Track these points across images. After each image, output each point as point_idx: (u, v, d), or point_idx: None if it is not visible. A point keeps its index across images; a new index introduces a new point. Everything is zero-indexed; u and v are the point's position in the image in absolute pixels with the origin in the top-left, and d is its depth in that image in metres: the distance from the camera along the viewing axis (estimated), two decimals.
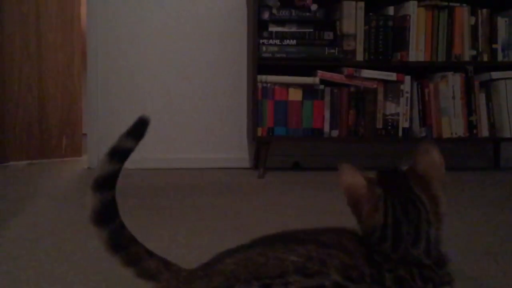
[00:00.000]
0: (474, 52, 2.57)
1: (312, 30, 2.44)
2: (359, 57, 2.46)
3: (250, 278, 0.54)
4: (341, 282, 0.53)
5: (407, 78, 2.50)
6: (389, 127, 2.49)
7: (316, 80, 2.42)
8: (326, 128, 2.46)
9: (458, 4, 2.56)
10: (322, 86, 2.44)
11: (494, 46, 2.58)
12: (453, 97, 2.55)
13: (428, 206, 0.60)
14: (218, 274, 0.56)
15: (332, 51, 2.42)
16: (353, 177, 0.63)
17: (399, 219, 0.59)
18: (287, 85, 2.44)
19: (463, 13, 2.55)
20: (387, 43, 2.47)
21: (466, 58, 2.56)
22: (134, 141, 0.72)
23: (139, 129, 0.72)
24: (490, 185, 2.18)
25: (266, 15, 2.43)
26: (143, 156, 2.72)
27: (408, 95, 2.51)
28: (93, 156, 2.74)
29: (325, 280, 0.53)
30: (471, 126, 2.56)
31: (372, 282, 0.55)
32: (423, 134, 2.53)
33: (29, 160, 3.01)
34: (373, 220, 0.60)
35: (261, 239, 0.62)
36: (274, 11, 2.43)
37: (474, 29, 2.57)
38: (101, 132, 2.73)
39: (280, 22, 2.45)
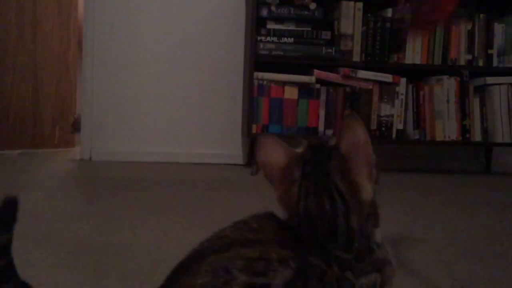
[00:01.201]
0: (470, 57, 2.58)
1: (310, 29, 2.44)
2: (356, 57, 2.47)
3: None
4: (249, 280, 0.48)
5: (403, 80, 2.51)
6: (383, 129, 2.51)
7: (312, 79, 2.42)
8: (321, 127, 2.46)
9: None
10: (318, 85, 2.44)
11: (489, 51, 2.60)
12: (448, 101, 2.56)
13: (346, 195, 0.52)
14: None
15: (329, 50, 2.42)
16: (272, 154, 0.56)
17: (310, 211, 0.52)
18: (283, 83, 2.44)
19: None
20: (383, 44, 2.48)
21: (462, 62, 2.57)
22: (6, 232, 0.60)
23: (7, 215, 0.60)
24: (481, 189, 2.20)
25: (264, 12, 2.43)
26: (137, 149, 2.71)
27: (403, 97, 2.52)
28: (86, 148, 2.73)
29: (233, 285, 0.47)
30: (464, 130, 2.57)
31: (300, 263, 0.49)
32: (417, 137, 2.54)
33: (21, 149, 2.99)
34: (286, 206, 0.54)
35: (173, 271, 0.56)
36: (273, 8, 2.43)
37: (470, 34, 2.58)
38: (95, 124, 2.72)
39: (279, 19, 2.44)
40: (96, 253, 1.05)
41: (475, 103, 2.60)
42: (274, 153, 0.56)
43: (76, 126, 2.77)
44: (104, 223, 1.31)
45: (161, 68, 2.75)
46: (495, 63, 2.60)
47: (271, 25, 2.45)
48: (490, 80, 2.59)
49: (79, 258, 1.02)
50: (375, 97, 2.49)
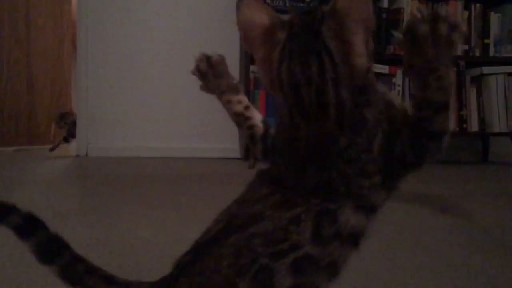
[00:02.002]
0: (466, 47, 2.58)
1: None
2: None
3: None
4: (274, 249, 0.47)
5: (399, 71, 2.50)
6: None
7: None
8: None
9: None
10: None
11: (486, 41, 2.59)
12: None
13: (337, 58, 0.45)
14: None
15: None
16: (253, 14, 0.51)
17: (294, 76, 0.46)
18: None
19: (456, 8, 2.56)
20: (379, 35, 2.47)
21: (458, 52, 2.57)
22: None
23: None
24: (478, 179, 2.21)
25: None
26: (134, 144, 2.70)
27: (400, 88, 2.51)
28: (82, 144, 2.71)
29: (260, 260, 0.46)
30: (461, 120, 2.57)
31: (310, 211, 0.47)
32: None
33: (17, 146, 2.98)
34: (266, 70, 0.48)
35: (194, 254, 0.54)
36: (268, 0, 2.41)
37: (467, 23, 2.57)
38: (91, 119, 2.70)
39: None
40: (93, 249, 1.05)
41: (472, 93, 2.60)
42: (256, 13, 0.51)
43: (69, 133, 2.73)
44: (101, 219, 1.30)
45: (156, 63, 2.73)
46: (491, 53, 2.59)
47: None
48: (486, 70, 2.58)
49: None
50: None
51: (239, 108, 0.60)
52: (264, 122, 0.59)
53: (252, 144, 0.60)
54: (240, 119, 0.60)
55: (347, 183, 0.48)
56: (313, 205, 0.48)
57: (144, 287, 0.57)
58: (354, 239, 0.49)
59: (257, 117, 0.59)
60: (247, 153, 2.67)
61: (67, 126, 2.66)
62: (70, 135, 2.70)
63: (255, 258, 0.46)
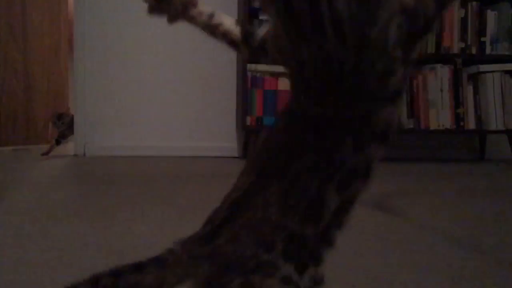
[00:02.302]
0: (463, 45, 2.58)
1: None
2: None
3: None
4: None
5: None
6: None
7: None
8: None
9: None
10: None
11: (482, 39, 2.60)
12: (441, 89, 2.56)
13: None
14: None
15: None
16: None
17: None
18: (277, 75, 2.43)
19: (453, 6, 2.56)
20: None
21: (455, 50, 2.57)
22: None
23: None
24: (475, 177, 2.21)
25: (257, 4, 2.41)
26: (132, 143, 2.70)
27: None
28: (80, 143, 2.71)
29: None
30: (458, 118, 2.58)
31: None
32: (411, 126, 2.55)
33: (14, 146, 2.97)
34: None
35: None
36: None
37: (463, 21, 2.58)
38: (88, 119, 2.70)
39: None
40: (92, 249, 1.05)
41: (469, 91, 2.61)
42: None
43: (61, 134, 2.71)
44: (99, 219, 1.30)
45: (153, 62, 2.73)
46: (488, 51, 2.60)
47: (264, 16, 2.43)
48: (483, 67, 2.59)
49: (74, 254, 1.01)
50: None
51: (202, 20, 0.58)
52: (240, 22, 0.58)
53: (237, 50, 0.58)
54: (210, 31, 0.58)
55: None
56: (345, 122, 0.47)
57: (178, 249, 0.54)
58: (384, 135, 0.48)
59: (227, 22, 0.58)
60: (245, 152, 2.67)
61: (65, 126, 2.65)
62: (61, 136, 2.68)
63: (304, 191, 0.47)
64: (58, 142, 2.68)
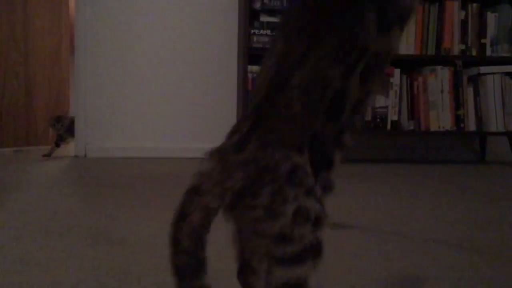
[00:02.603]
0: (463, 47, 2.59)
1: None
2: None
3: None
4: None
5: (397, 71, 2.51)
6: (378, 120, 2.51)
7: None
8: None
9: None
10: None
11: (483, 41, 2.60)
12: (442, 91, 2.57)
13: None
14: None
15: None
16: None
17: None
18: None
19: (453, 7, 2.57)
20: None
21: (455, 52, 2.58)
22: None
23: None
24: (475, 179, 2.21)
25: (257, 5, 2.41)
26: (132, 145, 2.70)
27: (397, 88, 2.52)
28: (80, 145, 2.71)
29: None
30: (458, 120, 2.58)
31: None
32: (411, 127, 2.55)
33: (15, 147, 2.97)
34: None
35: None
36: (266, 1, 2.42)
37: (464, 23, 2.58)
38: (89, 120, 2.71)
39: (272, 12, 2.43)
40: (93, 249, 1.05)
41: (469, 92, 2.61)
42: None
43: (59, 137, 2.70)
44: (101, 220, 1.31)
45: (154, 63, 2.74)
46: (488, 53, 2.60)
47: (264, 18, 2.44)
48: (483, 69, 2.59)
49: (76, 255, 1.01)
50: None
51: None
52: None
53: None
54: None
55: None
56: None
57: (209, 163, 0.52)
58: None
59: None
60: None
61: (64, 129, 2.65)
62: (60, 139, 2.66)
63: (326, 86, 0.45)
64: (57, 145, 2.68)
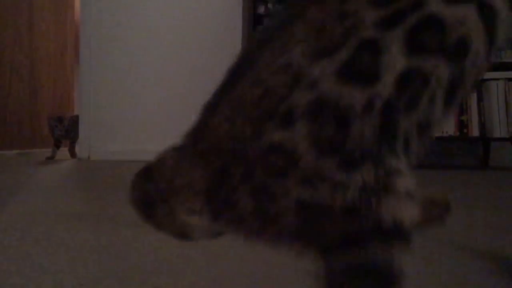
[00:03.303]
0: None
1: None
2: None
3: None
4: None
5: None
6: None
7: None
8: None
9: None
10: None
11: None
12: None
13: None
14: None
15: None
16: None
17: None
18: None
19: None
20: None
21: None
22: None
23: None
24: (478, 184, 2.21)
25: (261, 10, 2.42)
26: (135, 148, 2.71)
27: None
28: (84, 147, 2.73)
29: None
30: (462, 125, 2.58)
31: None
32: None
33: (20, 149, 2.99)
34: None
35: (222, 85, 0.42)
36: (270, 5, 2.42)
37: None
38: (93, 123, 2.72)
39: None
40: (96, 253, 1.06)
41: (473, 98, 2.60)
42: None
43: (58, 140, 2.70)
44: (104, 222, 1.31)
45: (158, 67, 2.75)
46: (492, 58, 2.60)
47: None
48: (487, 75, 2.59)
49: (79, 258, 1.02)
50: None
51: None
52: None
53: None
54: None
55: None
56: None
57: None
58: None
59: None
60: None
61: (65, 129, 2.65)
62: (59, 140, 2.67)
63: (350, 32, 0.33)
64: (58, 146, 2.70)
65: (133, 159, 2.67)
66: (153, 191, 0.44)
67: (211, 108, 0.44)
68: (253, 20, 2.43)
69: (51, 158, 2.65)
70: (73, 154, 2.67)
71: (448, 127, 2.57)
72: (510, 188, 2.15)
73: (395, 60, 0.34)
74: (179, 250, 1.08)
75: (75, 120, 2.72)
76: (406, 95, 0.34)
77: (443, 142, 2.82)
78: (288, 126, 0.33)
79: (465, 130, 2.57)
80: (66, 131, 2.65)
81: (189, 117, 2.41)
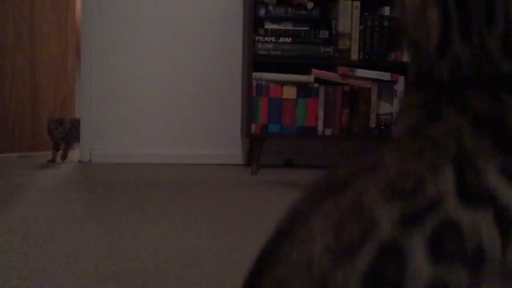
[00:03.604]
0: None
1: (307, 28, 2.45)
2: (354, 56, 2.47)
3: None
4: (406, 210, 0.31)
5: (401, 78, 2.51)
6: (382, 127, 2.51)
7: (311, 78, 2.42)
8: (320, 126, 2.46)
9: None
10: (316, 85, 2.45)
11: None
12: None
13: None
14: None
15: (327, 49, 2.43)
16: None
17: None
18: (282, 83, 2.44)
19: None
20: (382, 43, 2.48)
21: None
22: None
23: None
24: None
25: (262, 12, 2.43)
26: (136, 151, 2.71)
27: (402, 95, 2.52)
28: (85, 150, 2.73)
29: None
30: None
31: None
32: None
33: (20, 152, 2.99)
34: (424, 20, 0.37)
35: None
36: (270, 8, 2.43)
37: None
38: (94, 126, 2.72)
39: (276, 19, 2.45)
40: (97, 255, 1.05)
41: None
42: None
43: (57, 143, 2.68)
44: (105, 225, 1.31)
45: (160, 70, 2.75)
46: None
47: (269, 25, 2.45)
48: None
49: (80, 261, 1.02)
50: (374, 96, 2.49)
51: None
52: None
53: None
54: None
55: None
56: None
57: None
58: None
59: None
60: (250, 159, 2.68)
61: (65, 131, 2.63)
62: (58, 143, 2.65)
63: (368, 230, 0.31)
64: (57, 149, 2.68)
65: (134, 162, 2.67)
66: None
67: None
68: (253, 23, 2.43)
69: (52, 161, 2.65)
70: (64, 156, 2.65)
71: None
72: None
73: (421, 269, 0.30)
74: (180, 253, 1.08)
75: (74, 124, 2.70)
76: None
77: None
78: None
79: None
80: (66, 133, 2.64)
81: (189, 121, 2.43)
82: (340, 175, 0.36)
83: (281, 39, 2.42)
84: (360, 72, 2.45)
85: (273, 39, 2.42)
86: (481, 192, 0.32)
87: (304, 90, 2.45)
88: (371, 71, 2.47)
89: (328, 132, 2.47)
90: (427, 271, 0.30)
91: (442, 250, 0.31)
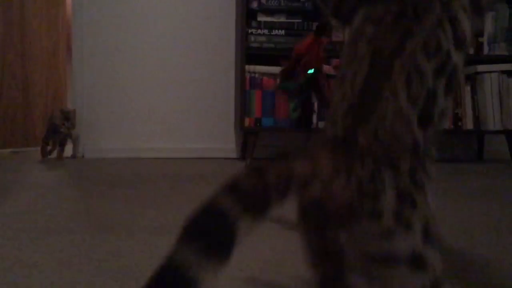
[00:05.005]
0: None
1: (300, 20, 2.44)
2: None
3: None
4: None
5: None
6: None
7: None
8: (314, 119, 2.46)
9: None
10: None
11: (480, 39, 2.61)
12: None
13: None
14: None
15: None
16: None
17: None
18: (275, 76, 2.44)
19: None
20: None
21: None
22: None
23: None
24: (473, 177, 2.22)
25: (255, 4, 2.42)
26: (129, 146, 2.70)
27: None
28: (78, 145, 2.71)
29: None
30: (456, 118, 2.59)
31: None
32: None
33: (13, 148, 2.97)
34: None
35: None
36: (263, 0, 2.42)
37: None
38: (87, 121, 2.70)
39: (269, 11, 2.44)
40: (92, 251, 1.05)
41: (467, 91, 2.61)
42: None
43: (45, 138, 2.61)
44: (99, 221, 1.31)
45: (152, 64, 2.73)
46: (485, 51, 2.61)
47: (262, 18, 2.44)
48: (481, 68, 2.60)
49: (75, 257, 1.01)
50: None
51: None
52: None
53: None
54: None
55: None
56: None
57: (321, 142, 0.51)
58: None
59: None
60: (244, 152, 2.68)
61: (73, 127, 2.55)
62: (46, 138, 2.57)
63: (422, 80, 0.46)
64: (47, 144, 2.61)
65: (127, 156, 2.66)
66: None
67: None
68: (246, 15, 2.42)
69: (45, 156, 2.62)
70: (61, 156, 2.58)
71: None
72: (504, 179, 2.17)
73: None
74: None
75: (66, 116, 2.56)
76: None
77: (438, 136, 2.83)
78: None
79: (459, 123, 2.58)
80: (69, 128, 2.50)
81: (182, 115, 2.42)
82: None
83: (274, 32, 2.41)
84: None
85: (266, 31, 2.41)
86: None
87: None
88: None
89: (322, 124, 2.47)
90: None
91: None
